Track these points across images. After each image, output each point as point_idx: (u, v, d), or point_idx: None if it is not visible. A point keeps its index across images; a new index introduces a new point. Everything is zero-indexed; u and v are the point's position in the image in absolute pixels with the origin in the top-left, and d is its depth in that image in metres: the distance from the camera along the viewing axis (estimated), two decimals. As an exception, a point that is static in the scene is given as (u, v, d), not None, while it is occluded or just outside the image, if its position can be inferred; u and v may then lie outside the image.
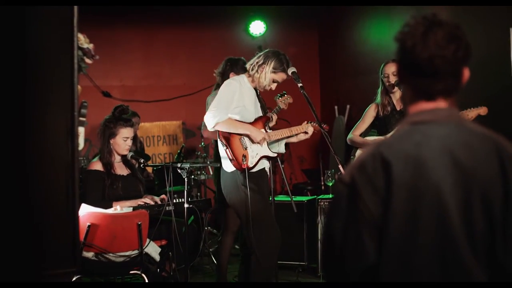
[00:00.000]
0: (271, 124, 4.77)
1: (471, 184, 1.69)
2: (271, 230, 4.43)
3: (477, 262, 1.68)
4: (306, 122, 4.65)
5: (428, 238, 1.69)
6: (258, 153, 4.50)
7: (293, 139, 4.70)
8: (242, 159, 4.37)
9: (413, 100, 1.84)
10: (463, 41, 1.76)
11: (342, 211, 1.77)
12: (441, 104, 1.80)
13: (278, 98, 5.05)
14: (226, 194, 4.55)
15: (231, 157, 4.37)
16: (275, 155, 4.62)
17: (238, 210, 4.46)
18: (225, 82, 4.50)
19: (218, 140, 4.49)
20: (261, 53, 4.52)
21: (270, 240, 4.40)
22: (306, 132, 4.64)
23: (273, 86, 4.52)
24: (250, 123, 4.50)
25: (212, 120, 4.31)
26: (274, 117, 4.89)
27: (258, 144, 4.49)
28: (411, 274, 1.70)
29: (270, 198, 4.73)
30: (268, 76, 4.44)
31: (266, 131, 4.58)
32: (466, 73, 1.80)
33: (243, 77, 4.54)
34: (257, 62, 4.46)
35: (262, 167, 4.57)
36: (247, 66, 4.55)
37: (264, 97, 4.83)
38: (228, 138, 4.40)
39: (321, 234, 5.75)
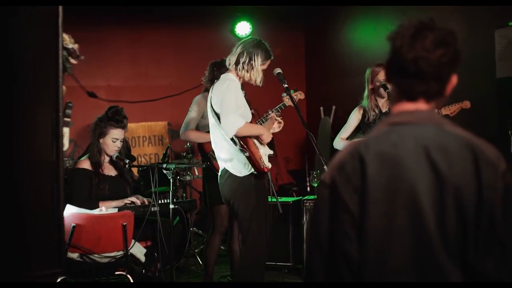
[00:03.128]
0: (274, 126, 4.66)
1: (445, 186, 1.71)
2: (266, 234, 4.42)
3: (451, 263, 1.70)
4: (270, 111, 4.60)
5: (403, 238, 1.71)
6: (265, 153, 4.43)
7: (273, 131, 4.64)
8: (261, 162, 4.31)
9: (397, 100, 1.86)
10: (451, 47, 1.78)
11: (325, 212, 1.78)
12: (422, 106, 1.82)
13: (285, 95, 4.84)
14: (234, 199, 4.40)
15: (255, 162, 4.26)
16: (272, 152, 4.56)
17: (244, 215, 4.35)
18: (226, 84, 4.32)
19: (230, 145, 4.30)
20: (241, 50, 4.36)
21: (262, 244, 4.39)
22: (279, 122, 4.60)
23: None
24: (250, 122, 4.42)
25: (233, 128, 4.16)
26: (271, 115, 4.77)
27: (262, 144, 4.44)
28: (387, 273, 1.72)
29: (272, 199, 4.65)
30: (259, 70, 4.35)
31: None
32: (454, 80, 1.82)
33: (232, 75, 4.41)
34: (243, 62, 4.33)
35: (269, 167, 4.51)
36: (230, 66, 4.41)
37: (264, 91, 4.76)
38: (246, 142, 4.28)
39: (307, 235, 5.77)
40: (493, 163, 1.74)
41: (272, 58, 4.42)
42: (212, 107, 4.38)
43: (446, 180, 1.71)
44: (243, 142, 4.27)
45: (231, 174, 4.37)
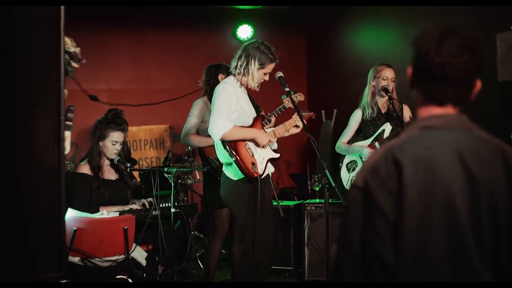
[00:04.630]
0: (269, 126, 4.68)
1: (479, 190, 1.72)
2: (268, 240, 4.39)
3: (484, 267, 1.71)
4: (295, 114, 4.57)
5: (439, 241, 1.72)
6: (264, 157, 4.40)
7: (285, 134, 4.60)
8: (253, 167, 4.25)
9: (423, 105, 1.87)
10: (477, 53, 1.80)
11: (358, 216, 1.77)
12: (450, 110, 1.84)
13: (285, 97, 4.81)
14: (230, 203, 4.43)
15: (242, 167, 4.22)
16: (278, 155, 4.53)
17: (240, 219, 4.36)
18: (219, 88, 4.33)
19: (223, 149, 4.30)
20: (241, 53, 4.37)
21: (265, 249, 4.37)
22: (297, 126, 4.58)
23: (266, 77, 4.42)
24: (251, 126, 4.40)
25: (219, 132, 4.16)
26: (273, 118, 4.78)
27: (262, 148, 4.41)
28: (422, 276, 1.72)
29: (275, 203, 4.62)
30: (256, 74, 4.32)
31: (265, 131, 4.48)
32: (478, 85, 1.84)
33: (232, 78, 4.41)
34: (240, 65, 4.32)
35: (268, 172, 4.47)
36: (231, 70, 4.41)
37: (267, 93, 4.74)
38: (235, 147, 4.25)
39: (308, 239, 5.76)
40: None
41: (275, 61, 4.40)
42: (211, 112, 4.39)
43: (480, 184, 1.72)
44: (231, 146, 4.25)
45: (227, 178, 4.39)
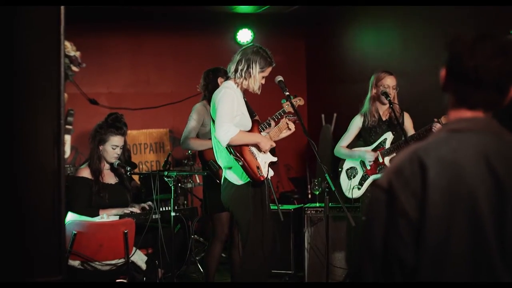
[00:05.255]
0: (268, 131, 4.69)
1: (505, 194, 1.70)
2: (269, 243, 4.41)
3: (506, 271, 1.70)
4: (283, 118, 4.59)
5: (461, 244, 1.70)
6: (265, 161, 4.43)
7: (278, 138, 4.63)
8: (258, 171, 4.29)
9: (454, 107, 1.85)
10: (511, 56, 1.77)
11: (381, 217, 1.76)
12: (480, 114, 1.82)
13: (285, 102, 4.82)
14: (233, 208, 4.44)
15: (249, 171, 4.26)
16: (276, 159, 4.55)
17: (242, 224, 4.38)
18: (221, 93, 4.33)
19: (227, 153, 4.32)
20: (240, 57, 4.38)
21: (261, 253, 4.38)
22: (289, 128, 4.60)
23: (263, 81, 4.44)
24: (250, 130, 4.43)
25: (226, 136, 4.18)
26: (273, 123, 4.78)
27: (263, 152, 4.44)
28: (443, 278, 1.71)
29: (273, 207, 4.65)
30: (258, 77, 4.35)
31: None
32: None
33: (231, 83, 4.42)
34: (241, 69, 4.33)
35: (269, 175, 4.49)
36: (230, 73, 4.43)
37: (265, 97, 4.75)
38: (240, 151, 4.28)
39: (308, 243, 5.76)
40: None
41: (273, 65, 4.41)
42: (211, 116, 4.39)
43: (505, 187, 1.70)
44: (237, 151, 4.27)
45: (229, 182, 4.39)
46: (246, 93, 4.54)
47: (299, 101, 4.92)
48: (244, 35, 8.50)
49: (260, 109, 5.08)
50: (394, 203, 1.74)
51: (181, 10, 7.77)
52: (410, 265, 1.72)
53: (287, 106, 4.80)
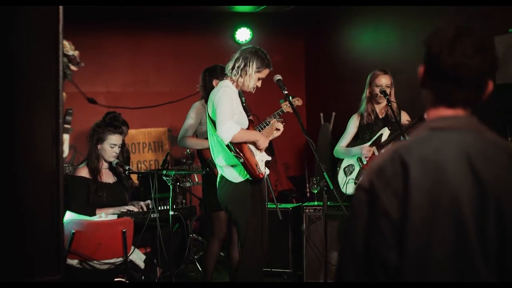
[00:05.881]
0: (274, 132, 4.70)
1: (487, 193, 1.68)
2: (265, 241, 4.44)
3: (489, 270, 1.68)
4: (273, 119, 4.61)
5: (444, 246, 1.68)
6: (262, 159, 4.46)
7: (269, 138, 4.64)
8: (257, 168, 4.32)
9: (434, 106, 1.83)
10: (490, 53, 1.75)
11: (362, 217, 1.74)
12: (460, 112, 1.80)
13: (283, 102, 4.83)
14: (230, 206, 4.46)
15: (249, 168, 4.29)
16: (271, 158, 4.58)
17: (240, 221, 4.40)
18: (220, 91, 4.35)
19: (228, 151, 4.33)
20: (238, 55, 4.41)
21: (260, 250, 4.40)
22: (278, 129, 4.61)
23: (259, 83, 4.47)
24: (247, 128, 4.45)
25: (229, 133, 4.19)
26: (272, 121, 4.77)
27: (259, 150, 4.46)
28: (425, 279, 1.69)
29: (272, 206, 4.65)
30: (254, 77, 4.37)
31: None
32: (490, 86, 1.80)
33: (228, 82, 4.45)
34: (238, 66, 4.36)
35: (266, 173, 4.51)
36: (227, 71, 4.45)
37: (264, 96, 4.75)
38: (240, 148, 4.31)
39: (306, 242, 5.76)
40: None
41: (270, 68, 4.43)
42: (208, 114, 4.40)
43: (487, 187, 1.68)
44: (238, 148, 4.30)
45: (227, 180, 4.40)
46: (245, 94, 4.57)
47: (297, 102, 4.92)
48: (243, 34, 8.50)
49: (260, 109, 5.10)
50: (375, 203, 1.72)
51: (180, 9, 7.77)
52: (393, 265, 1.70)
53: (285, 106, 4.80)
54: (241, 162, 4.27)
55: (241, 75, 4.37)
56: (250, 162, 4.30)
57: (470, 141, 1.75)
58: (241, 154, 4.28)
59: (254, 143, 4.41)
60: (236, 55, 4.43)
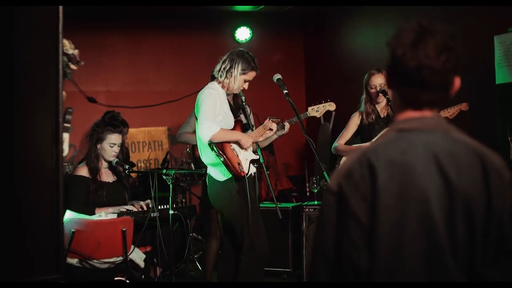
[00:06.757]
0: (281, 133, 4.75)
1: (455, 194, 1.67)
2: (262, 235, 4.46)
3: (459, 272, 1.67)
4: (267, 120, 4.63)
5: (414, 247, 1.67)
6: (247, 158, 4.51)
7: (261, 138, 4.66)
8: (239, 167, 4.37)
9: (401, 108, 1.81)
10: (454, 52, 1.72)
11: (331, 221, 1.73)
12: (427, 113, 1.78)
13: (310, 106, 4.91)
14: (218, 204, 4.53)
15: (230, 167, 4.34)
16: (258, 156, 4.62)
17: (232, 220, 4.45)
18: (204, 93, 4.43)
19: (210, 150, 4.38)
20: (225, 58, 4.49)
21: (261, 244, 4.42)
22: (271, 129, 4.62)
23: (246, 85, 4.53)
24: (233, 129, 4.52)
25: (208, 133, 4.26)
26: (266, 121, 4.77)
27: (244, 149, 4.48)
28: (397, 281, 1.68)
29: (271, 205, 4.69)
30: (238, 79, 4.44)
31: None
32: (457, 82, 1.77)
33: (214, 84, 4.51)
34: (224, 68, 4.44)
35: (251, 172, 4.57)
36: (215, 73, 4.52)
37: (265, 96, 4.77)
38: (222, 148, 4.37)
39: (306, 241, 5.76)
40: (500, 172, 1.71)
41: (257, 71, 4.49)
42: (195, 115, 4.45)
43: (455, 187, 1.67)
44: (219, 147, 4.36)
45: (214, 180, 4.48)
46: (246, 92, 4.59)
47: (329, 107, 4.92)
48: (243, 34, 8.50)
49: (260, 109, 5.10)
50: (344, 207, 1.71)
51: (180, 9, 7.77)
52: (363, 269, 1.69)
53: (311, 110, 4.87)
54: (221, 161, 4.34)
55: (226, 77, 4.45)
56: (231, 161, 4.35)
57: (437, 141, 1.73)
58: (222, 153, 4.34)
59: (237, 143, 4.44)
60: (224, 57, 4.52)
